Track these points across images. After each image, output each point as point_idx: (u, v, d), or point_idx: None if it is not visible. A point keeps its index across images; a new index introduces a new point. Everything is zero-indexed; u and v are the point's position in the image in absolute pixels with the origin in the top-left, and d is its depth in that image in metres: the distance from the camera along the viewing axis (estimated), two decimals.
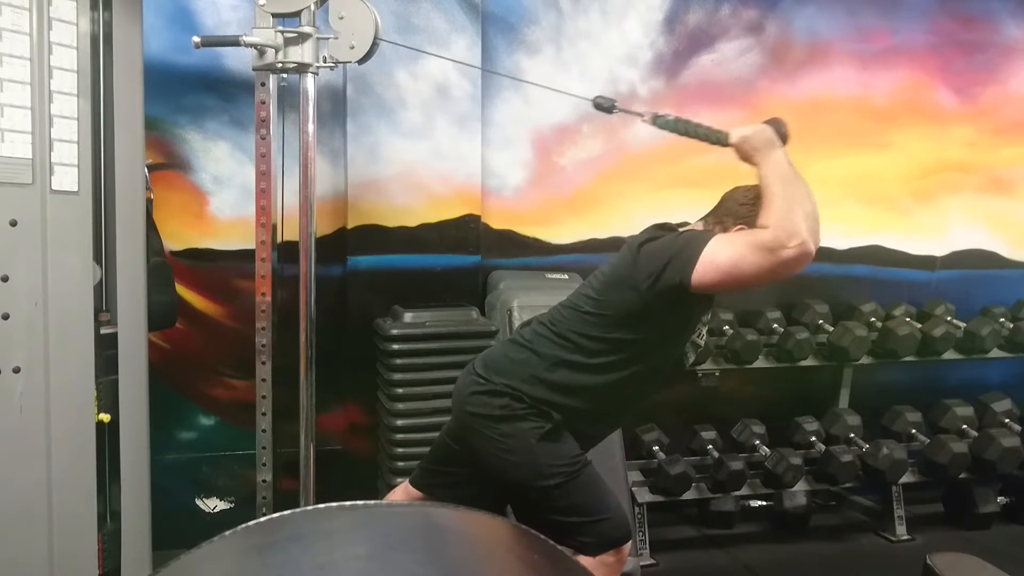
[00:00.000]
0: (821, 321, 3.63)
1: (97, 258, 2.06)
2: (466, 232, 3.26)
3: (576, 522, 1.92)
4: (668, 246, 1.84)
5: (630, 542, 1.99)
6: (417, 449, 2.76)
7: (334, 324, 3.10)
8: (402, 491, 2.26)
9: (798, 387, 3.77)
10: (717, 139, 1.93)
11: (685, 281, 1.76)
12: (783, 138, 1.87)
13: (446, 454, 2.14)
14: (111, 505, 2.15)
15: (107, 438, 2.11)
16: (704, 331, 2.06)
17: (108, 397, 2.10)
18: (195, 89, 3.03)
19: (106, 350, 2.08)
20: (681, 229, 1.99)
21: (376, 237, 3.16)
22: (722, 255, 1.75)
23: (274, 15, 2.49)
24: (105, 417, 2.08)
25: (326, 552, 0.98)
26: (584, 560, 1.89)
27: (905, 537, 3.42)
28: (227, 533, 1.04)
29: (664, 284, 1.80)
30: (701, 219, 2.05)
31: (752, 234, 1.76)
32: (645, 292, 1.83)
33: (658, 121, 2.00)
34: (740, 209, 1.95)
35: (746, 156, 1.87)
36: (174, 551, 1.00)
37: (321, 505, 1.13)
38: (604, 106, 2.09)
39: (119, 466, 2.13)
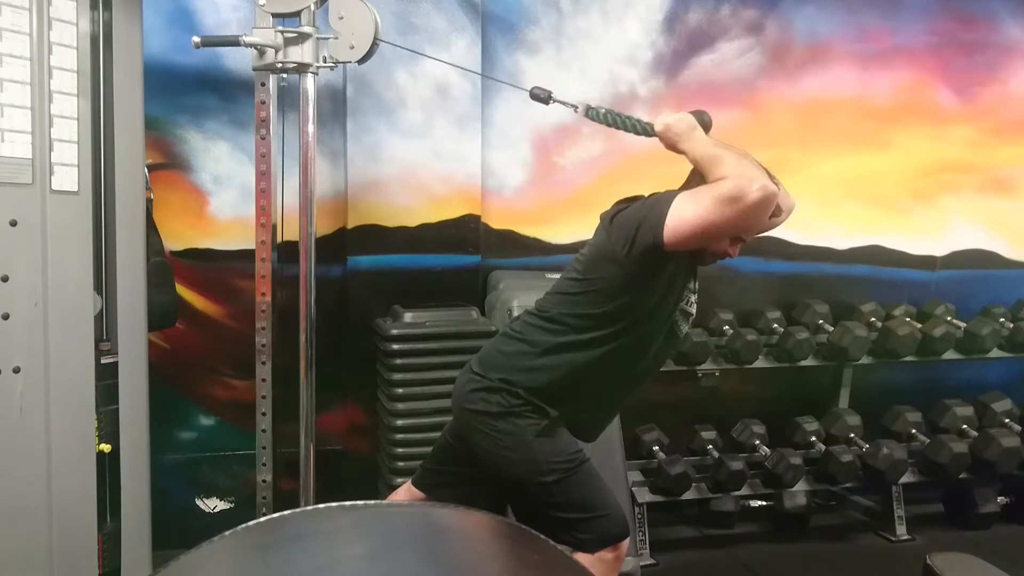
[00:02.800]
0: (821, 321, 3.63)
1: (97, 261, 2.06)
2: (466, 232, 3.26)
3: (574, 518, 1.92)
4: (637, 211, 1.87)
5: (628, 539, 1.99)
6: (417, 449, 2.76)
7: (334, 324, 3.10)
8: (405, 491, 2.26)
9: (798, 387, 3.76)
10: (644, 130, 2.02)
11: (658, 239, 1.78)
12: (705, 127, 1.92)
13: (448, 453, 2.14)
14: (111, 505, 2.15)
15: (107, 467, 2.10)
16: (693, 299, 2.05)
17: (108, 427, 2.08)
18: (195, 89, 3.03)
19: (106, 380, 2.07)
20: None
21: (376, 237, 3.16)
22: (689, 210, 1.77)
23: (274, 15, 2.49)
24: (106, 447, 2.07)
25: (326, 552, 0.98)
26: (582, 557, 1.89)
27: (905, 537, 3.42)
28: (227, 533, 1.04)
29: (639, 247, 1.82)
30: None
31: (713, 186, 1.76)
32: (624, 260, 1.85)
33: (590, 113, 2.09)
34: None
35: (671, 143, 1.93)
36: (174, 551, 1.00)
37: (321, 505, 1.13)
38: (540, 96, 2.16)
39: (119, 489, 2.13)
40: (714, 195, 1.75)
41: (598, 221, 2.03)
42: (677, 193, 1.87)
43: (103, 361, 2.07)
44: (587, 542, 1.91)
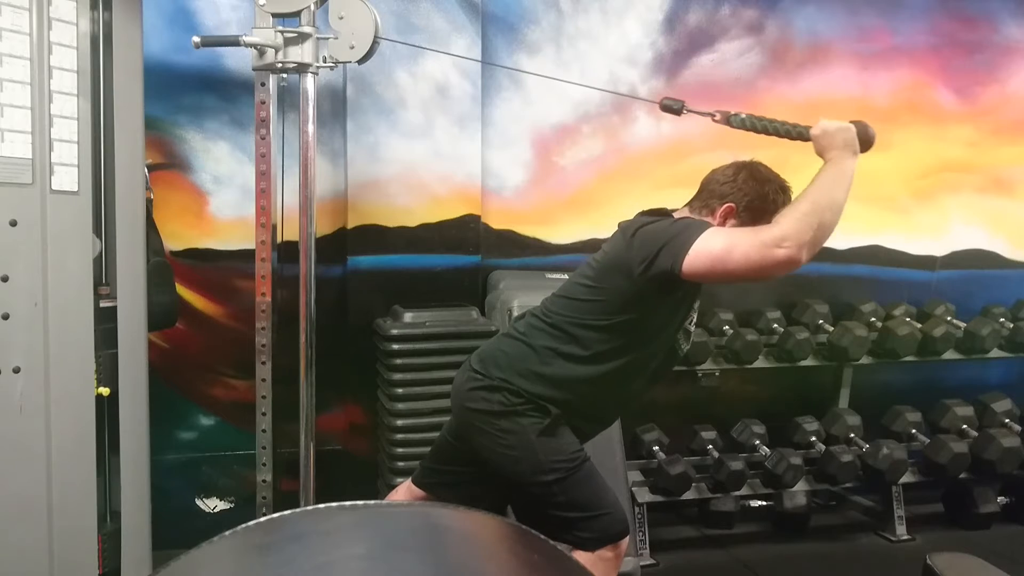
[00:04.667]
0: (821, 321, 3.63)
1: (97, 261, 2.06)
2: (466, 232, 3.26)
3: (575, 517, 1.92)
4: (664, 231, 1.83)
5: (628, 538, 1.99)
6: (417, 449, 2.76)
7: (334, 324, 3.10)
8: (405, 490, 2.27)
9: (798, 387, 3.76)
10: (798, 134, 1.90)
11: (676, 267, 1.76)
12: (865, 143, 1.81)
13: (448, 452, 2.14)
14: (111, 505, 2.16)
15: (107, 412, 2.11)
16: (694, 317, 2.05)
17: (107, 370, 2.10)
18: (195, 89, 3.03)
19: (106, 323, 2.09)
20: (675, 215, 1.99)
21: (376, 237, 3.16)
22: (716, 244, 1.74)
23: (274, 15, 2.49)
24: (104, 390, 2.08)
25: (326, 552, 0.98)
26: (582, 556, 1.89)
27: (905, 537, 3.42)
28: (227, 533, 1.04)
29: (656, 269, 1.79)
30: (686, 205, 2.05)
31: (757, 230, 1.75)
32: (637, 277, 1.83)
33: (732, 120, 1.96)
34: (722, 188, 1.97)
35: (821, 150, 1.85)
36: (174, 551, 1.00)
37: (321, 505, 1.13)
38: (673, 108, 2.04)
39: (119, 457, 2.13)
40: (751, 235, 1.73)
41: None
42: (708, 224, 1.84)
43: (102, 305, 2.08)
44: (587, 541, 1.91)
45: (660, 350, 1.98)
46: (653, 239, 1.82)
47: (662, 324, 1.95)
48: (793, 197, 1.95)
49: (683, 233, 1.78)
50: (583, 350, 1.92)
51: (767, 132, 1.95)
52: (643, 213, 2.00)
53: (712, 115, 1.98)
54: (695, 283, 1.89)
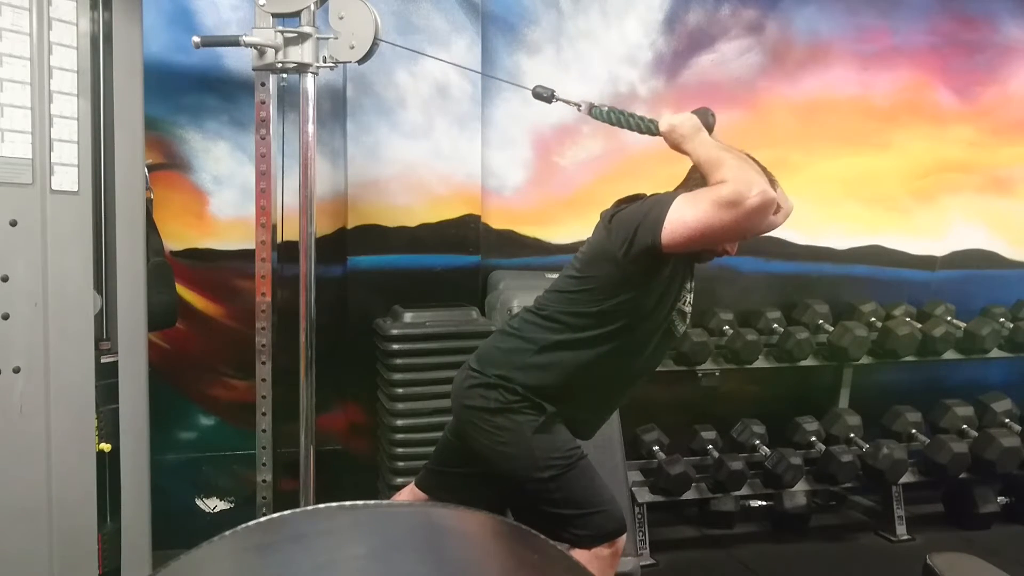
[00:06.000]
0: (821, 321, 3.63)
1: (97, 262, 2.06)
2: (466, 232, 3.26)
3: (570, 514, 1.93)
4: (637, 211, 1.87)
5: (625, 535, 1.99)
6: (417, 449, 2.77)
7: (334, 324, 3.10)
8: (408, 492, 2.27)
9: (798, 387, 3.76)
10: (648, 128, 2.01)
11: (656, 241, 1.79)
12: (709, 128, 1.92)
13: (451, 452, 2.15)
14: (111, 505, 2.16)
15: (107, 467, 2.10)
16: (690, 298, 2.06)
17: (108, 426, 2.09)
18: (195, 89, 3.03)
19: (106, 379, 2.07)
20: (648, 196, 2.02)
21: (376, 237, 3.16)
22: (689, 213, 1.77)
23: (274, 15, 2.49)
24: (106, 447, 2.07)
25: (326, 552, 0.98)
26: (578, 553, 1.90)
27: (905, 537, 3.42)
28: (227, 533, 1.04)
29: (637, 248, 1.83)
30: (672, 191, 2.06)
31: (713, 190, 1.77)
32: (621, 260, 1.86)
33: (593, 111, 2.10)
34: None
35: (675, 144, 1.93)
36: (174, 551, 1.00)
37: (321, 505, 1.13)
38: (543, 95, 2.17)
39: (119, 489, 2.13)
40: (713, 199, 1.75)
41: (598, 220, 2.04)
42: (677, 195, 1.87)
43: (103, 361, 2.07)
44: (583, 538, 1.92)
45: (654, 331, 1.99)
46: (629, 221, 1.86)
47: (654, 304, 1.95)
48: (781, 192, 1.96)
49: (654, 209, 1.82)
50: (577, 335, 1.94)
51: (620, 125, 2.06)
52: (620, 201, 2.03)
53: (578, 106, 2.12)
54: (683, 259, 1.92)
